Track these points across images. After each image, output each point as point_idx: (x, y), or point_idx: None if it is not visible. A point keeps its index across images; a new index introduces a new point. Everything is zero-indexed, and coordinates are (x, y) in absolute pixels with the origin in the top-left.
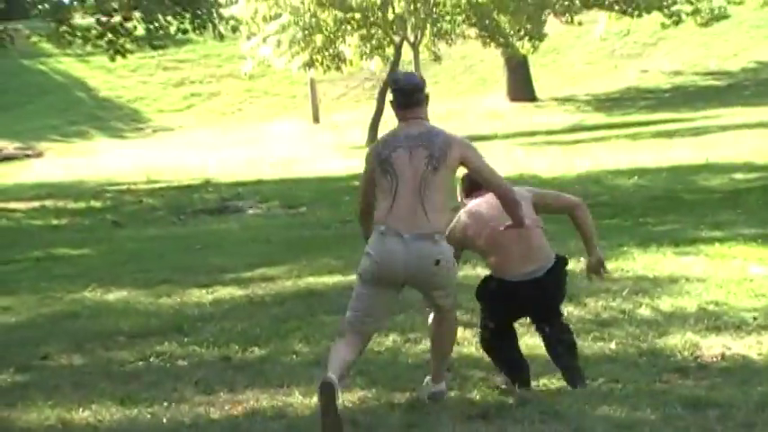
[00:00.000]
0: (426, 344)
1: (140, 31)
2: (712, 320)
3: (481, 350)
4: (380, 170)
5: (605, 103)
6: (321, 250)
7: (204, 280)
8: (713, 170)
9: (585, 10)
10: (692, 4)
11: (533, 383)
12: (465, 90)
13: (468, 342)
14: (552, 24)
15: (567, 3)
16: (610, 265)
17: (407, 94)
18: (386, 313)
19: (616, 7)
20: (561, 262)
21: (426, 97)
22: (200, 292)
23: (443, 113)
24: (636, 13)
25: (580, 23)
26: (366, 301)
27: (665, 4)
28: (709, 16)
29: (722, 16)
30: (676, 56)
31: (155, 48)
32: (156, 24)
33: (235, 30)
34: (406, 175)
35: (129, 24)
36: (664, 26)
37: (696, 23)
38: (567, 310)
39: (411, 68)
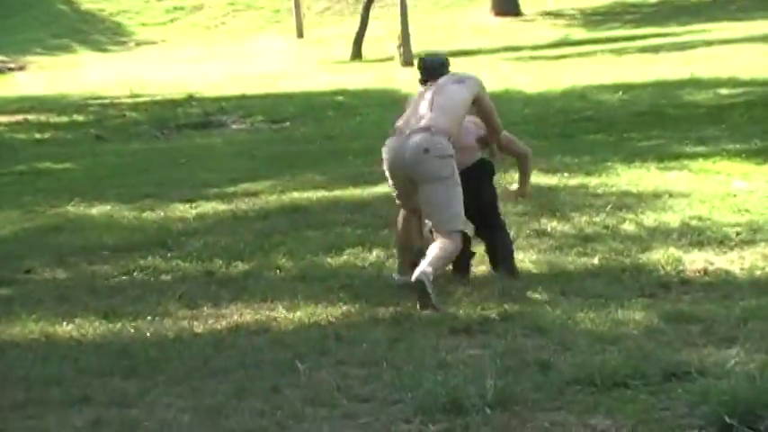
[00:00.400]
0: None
1: None
2: (695, 235)
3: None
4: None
5: (591, 17)
6: (305, 165)
7: (188, 194)
8: (698, 85)
9: None
10: None
11: (516, 299)
12: (449, 4)
13: None
14: None
15: None
16: (594, 181)
17: (431, 71)
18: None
19: None
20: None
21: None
22: (183, 206)
23: (427, 28)
24: None
25: None
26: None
27: None
28: None
29: None
30: None
31: None
32: None
33: None
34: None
35: None
36: None
37: None
38: (551, 225)
39: None
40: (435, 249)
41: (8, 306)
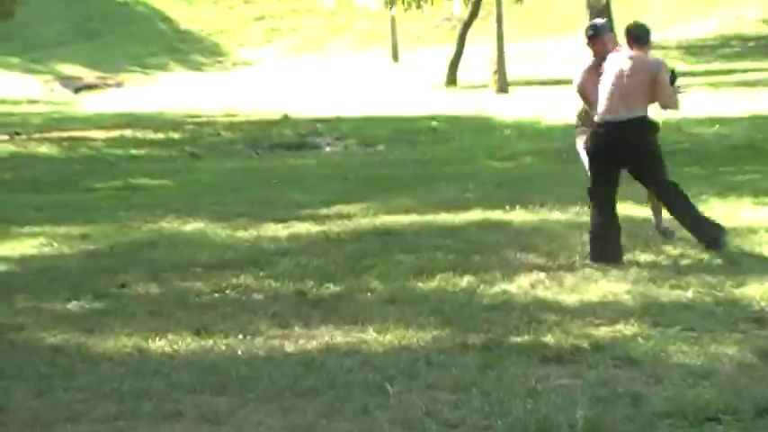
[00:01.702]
0: (501, 286)
1: None
2: None
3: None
4: None
5: (688, 49)
6: (398, 189)
7: (281, 214)
8: None
9: None
10: None
11: (607, 329)
12: (546, 31)
13: (543, 285)
14: None
15: None
16: None
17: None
18: None
19: None
20: None
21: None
22: (276, 226)
23: (525, 54)
24: None
25: None
26: None
27: None
28: None
29: None
30: (765, 3)
31: None
32: None
33: None
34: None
35: None
36: None
37: None
38: (645, 257)
39: (493, 10)
40: None
41: (102, 319)
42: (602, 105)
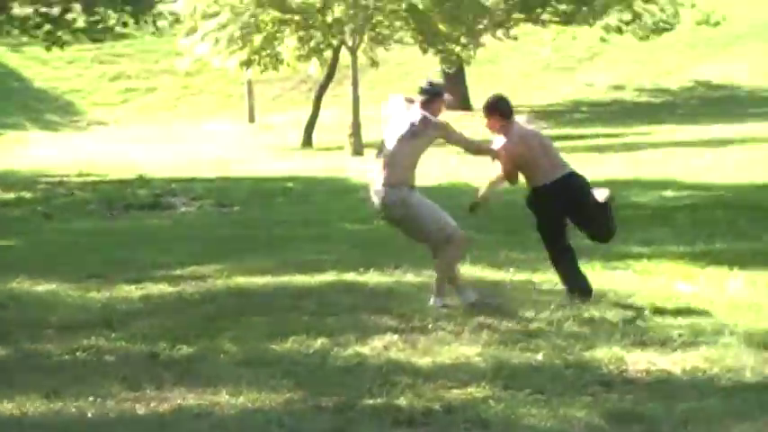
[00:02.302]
0: (355, 348)
1: (79, 23)
2: (638, 335)
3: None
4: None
5: (539, 115)
6: (253, 250)
7: (134, 275)
8: (644, 186)
9: (521, 23)
10: (634, 13)
11: (459, 391)
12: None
13: (396, 348)
14: (488, 36)
15: (503, 16)
16: (540, 277)
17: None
18: None
19: (554, 20)
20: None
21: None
22: (129, 287)
23: (378, 119)
24: (574, 24)
25: (515, 38)
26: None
27: (604, 16)
28: (652, 28)
29: (664, 29)
30: (612, 71)
31: (95, 41)
32: (98, 17)
33: (173, 25)
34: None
35: (68, 16)
36: (602, 39)
37: (637, 37)
38: (497, 319)
39: (349, 73)
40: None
41: None
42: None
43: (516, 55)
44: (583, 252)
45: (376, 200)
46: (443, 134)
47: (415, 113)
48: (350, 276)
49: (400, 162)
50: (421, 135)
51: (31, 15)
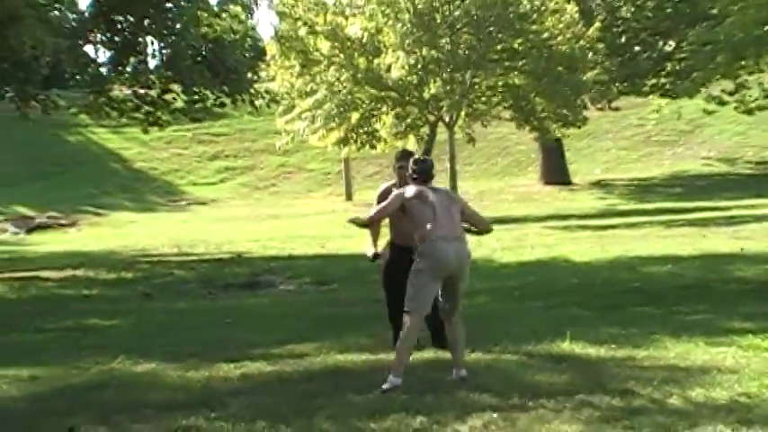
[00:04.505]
0: (454, 426)
1: (178, 103)
2: (744, 413)
3: None
4: (418, 203)
5: (640, 188)
6: (351, 328)
7: (233, 354)
8: (747, 260)
9: (623, 96)
10: (737, 85)
11: None
12: (499, 172)
13: (495, 426)
14: (588, 108)
15: (603, 88)
16: (641, 353)
17: (428, 173)
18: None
19: (654, 92)
20: None
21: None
22: (228, 366)
23: (477, 194)
24: (676, 96)
25: (617, 109)
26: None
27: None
28: (757, 102)
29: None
30: (713, 144)
31: (194, 120)
32: (196, 96)
33: (270, 104)
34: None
35: (167, 96)
36: (706, 111)
37: (738, 111)
38: (598, 396)
39: (446, 149)
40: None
41: None
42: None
43: (616, 128)
44: (685, 327)
45: (453, 253)
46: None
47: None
48: (447, 354)
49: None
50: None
51: (130, 97)
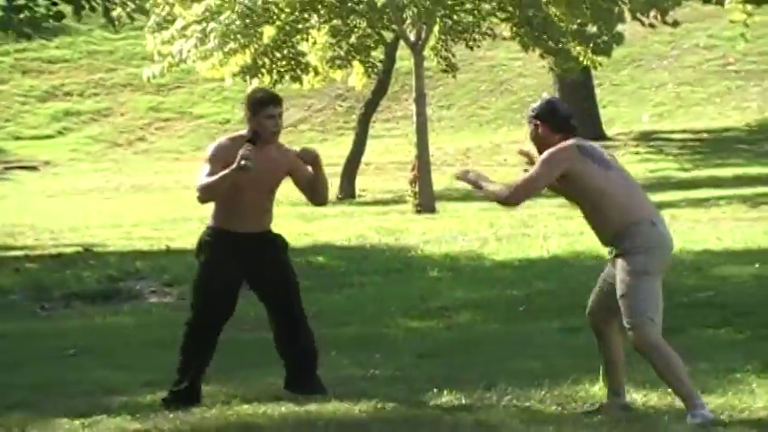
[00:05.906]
0: None
1: None
2: None
3: None
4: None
5: (710, 145)
6: (262, 362)
7: (80, 405)
8: None
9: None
10: None
11: None
12: (492, 119)
13: None
14: (629, 25)
15: None
16: (715, 401)
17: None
18: None
19: None
20: None
21: None
22: (71, 423)
23: (458, 153)
24: None
25: (676, 23)
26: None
27: None
28: None
29: None
30: None
31: (21, 36)
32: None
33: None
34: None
35: None
36: None
37: None
38: None
39: (411, 80)
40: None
41: None
42: None
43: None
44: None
45: (667, 251)
46: None
47: None
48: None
49: None
50: None
51: None
